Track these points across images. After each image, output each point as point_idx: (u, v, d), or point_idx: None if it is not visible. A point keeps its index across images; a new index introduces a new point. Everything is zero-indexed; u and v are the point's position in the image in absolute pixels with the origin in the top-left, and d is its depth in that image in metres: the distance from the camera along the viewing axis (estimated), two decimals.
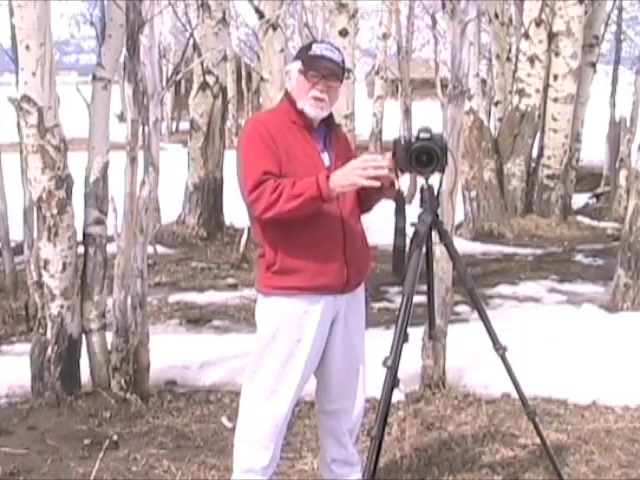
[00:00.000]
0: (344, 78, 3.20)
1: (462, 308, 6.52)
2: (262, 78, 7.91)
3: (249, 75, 23.01)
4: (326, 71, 3.08)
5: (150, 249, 6.59)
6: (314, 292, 3.10)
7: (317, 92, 3.08)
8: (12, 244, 7.32)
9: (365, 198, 3.21)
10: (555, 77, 11.10)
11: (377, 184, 2.98)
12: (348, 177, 2.95)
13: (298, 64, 3.12)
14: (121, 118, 16.77)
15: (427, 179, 3.18)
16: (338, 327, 3.21)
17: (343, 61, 3.16)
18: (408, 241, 3.19)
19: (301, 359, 3.15)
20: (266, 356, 3.17)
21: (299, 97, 3.11)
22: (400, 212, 3.15)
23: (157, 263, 8.40)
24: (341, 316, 3.21)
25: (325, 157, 3.16)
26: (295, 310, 3.12)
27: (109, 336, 4.82)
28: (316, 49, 3.12)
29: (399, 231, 3.15)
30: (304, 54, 3.14)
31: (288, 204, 2.96)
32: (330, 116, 3.21)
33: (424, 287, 3.32)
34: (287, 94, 3.19)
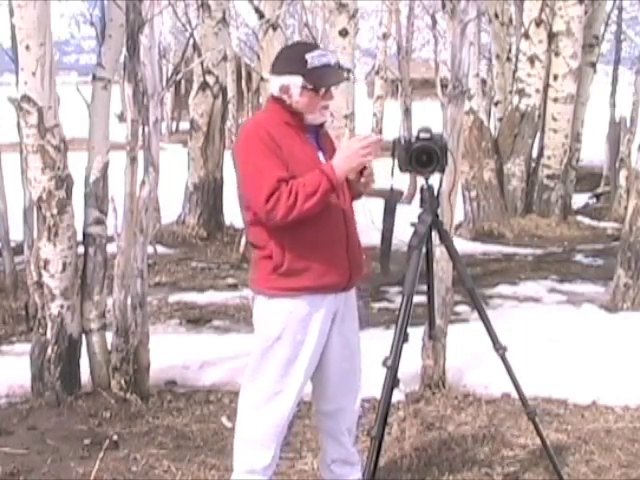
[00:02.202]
0: None
1: (462, 308, 6.52)
2: (262, 78, 7.92)
3: (249, 75, 22.98)
4: (336, 80, 3.12)
5: (150, 249, 6.59)
6: (319, 291, 3.10)
7: (328, 101, 3.10)
8: (12, 244, 7.32)
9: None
10: (555, 77, 11.10)
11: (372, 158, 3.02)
12: (353, 160, 2.99)
13: (299, 80, 3.03)
14: (121, 118, 16.77)
15: (427, 179, 3.19)
16: (335, 326, 3.21)
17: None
18: (406, 241, 3.20)
19: (305, 359, 3.14)
20: (269, 357, 3.16)
21: (309, 111, 3.08)
22: (389, 212, 3.15)
23: (157, 263, 8.40)
24: (339, 315, 3.21)
25: (320, 155, 3.15)
26: (300, 311, 3.11)
27: (109, 336, 4.82)
28: (314, 60, 3.03)
29: (386, 231, 3.17)
30: (302, 68, 3.02)
31: (306, 203, 2.96)
32: None
33: (424, 287, 3.32)
34: (275, 99, 3.11)
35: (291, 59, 3.10)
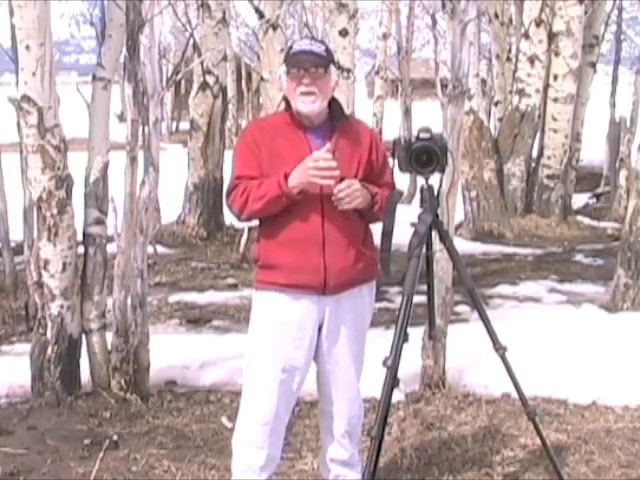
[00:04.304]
0: (329, 67, 3.12)
1: (462, 308, 6.52)
2: (262, 78, 7.92)
3: (249, 75, 22.99)
4: (307, 64, 3.06)
5: (150, 249, 6.59)
6: (293, 289, 3.11)
7: (303, 87, 3.07)
8: (12, 244, 7.32)
9: (364, 213, 3.19)
10: (555, 77, 11.10)
11: (330, 182, 3.00)
12: (302, 176, 3.01)
13: (284, 67, 3.13)
14: (121, 118, 16.77)
15: (427, 179, 3.19)
16: (328, 331, 3.19)
17: (326, 50, 3.13)
18: (406, 241, 3.19)
19: (281, 358, 3.14)
20: (253, 354, 3.20)
21: (291, 97, 3.12)
22: (389, 212, 3.15)
23: (157, 263, 8.39)
24: (331, 320, 3.17)
25: None
26: (277, 306, 3.14)
27: (109, 336, 4.82)
28: (296, 46, 3.13)
29: (386, 233, 3.16)
30: (287, 56, 3.15)
31: (255, 204, 3.07)
32: (334, 109, 3.17)
33: (424, 287, 3.32)
34: (284, 98, 3.19)
35: (286, 52, 3.24)
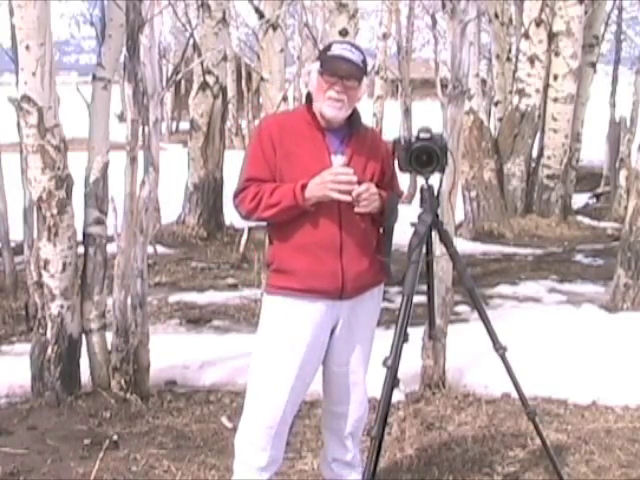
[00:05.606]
0: (363, 79, 3.09)
1: (462, 308, 6.52)
2: (262, 78, 7.89)
3: (249, 75, 22.99)
4: (343, 72, 3.03)
5: (150, 249, 6.59)
6: (308, 294, 3.08)
7: (334, 93, 3.03)
8: (12, 244, 7.32)
9: (375, 217, 3.17)
10: (555, 77, 11.11)
11: (348, 198, 2.98)
12: (321, 189, 2.98)
13: (318, 65, 3.08)
14: (121, 118, 16.77)
15: (427, 179, 3.18)
16: (341, 334, 3.18)
17: (364, 61, 3.09)
18: (406, 241, 3.19)
19: (294, 362, 3.12)
20: (262, 357, 3.17)
21: (317, 97, 3.08)
22: (390, 212, 3.14)
23: (157, 263, 8.40)
24: (344, 323, 3.17)
25: (337, 159, 3.10)
26: (291, 311, 3.11)
27: (109, 336, 4.82)
28: (335, 49, 3.07)
29: (386, 233, 3.16)
30: (324, 54, 3.10)
31: (266, 212, 3.04)
32: (354, 116, 3.15)
33: (424, 287, 3.32)
34: (308, 94, 3.16)
35: (324, 47, 3.21)
